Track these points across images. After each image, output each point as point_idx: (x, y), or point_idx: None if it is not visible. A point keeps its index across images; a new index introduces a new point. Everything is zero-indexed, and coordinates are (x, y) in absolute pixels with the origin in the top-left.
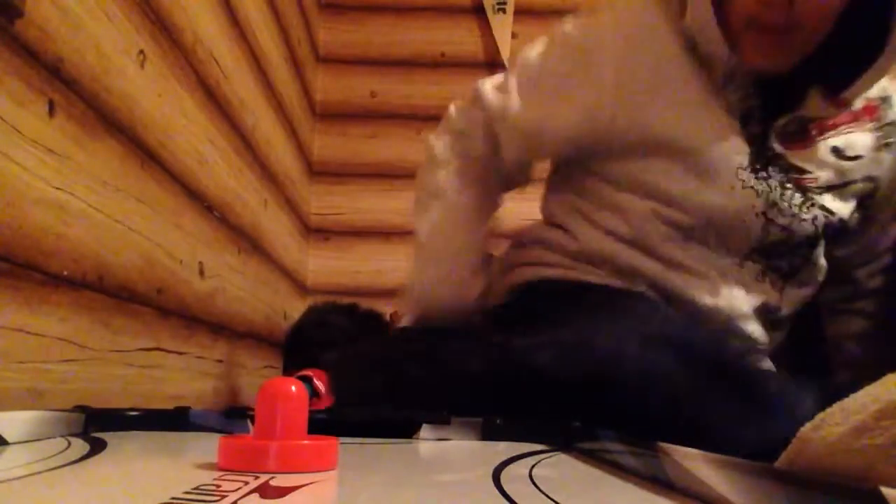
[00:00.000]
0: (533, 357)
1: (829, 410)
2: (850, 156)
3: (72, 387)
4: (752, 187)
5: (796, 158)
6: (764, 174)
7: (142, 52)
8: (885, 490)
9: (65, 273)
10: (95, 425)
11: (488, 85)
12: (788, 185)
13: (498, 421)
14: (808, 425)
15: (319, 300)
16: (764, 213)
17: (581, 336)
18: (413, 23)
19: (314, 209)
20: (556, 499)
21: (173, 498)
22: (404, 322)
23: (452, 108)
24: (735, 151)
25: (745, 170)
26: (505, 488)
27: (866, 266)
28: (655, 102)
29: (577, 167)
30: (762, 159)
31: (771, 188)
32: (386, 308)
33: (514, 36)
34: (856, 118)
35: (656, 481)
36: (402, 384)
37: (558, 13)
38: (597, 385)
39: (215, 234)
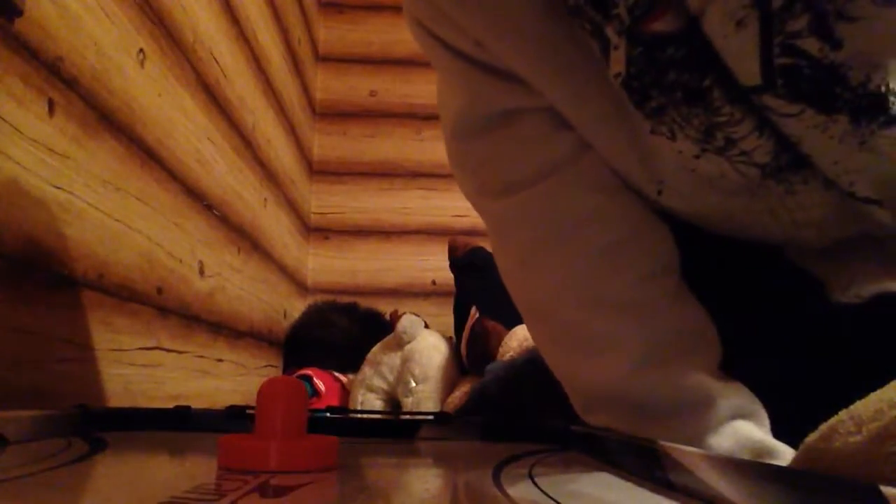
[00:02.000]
0: None
1: (836, 419)
2: None
3: (72, 386)
4: (660, 132)
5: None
6: (655, 91)
7: (141, 51)
8: (885, 488)
9: (64, 272)
10: (96, 425)
11: None
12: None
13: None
14: (813, 435)
15: (319, 299)
16: (705, 151)
17: None
18: None
19: (314, 208)
20: (556, 498)
21: (173, 497)
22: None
23: None
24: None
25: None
26: (505, 487)
27: None
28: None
29: None
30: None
31: (674, 115)
32: (386, 307)
33: None
34: None
35: (656, 480)
36: None
37: None
38: None
39: (215, 233)
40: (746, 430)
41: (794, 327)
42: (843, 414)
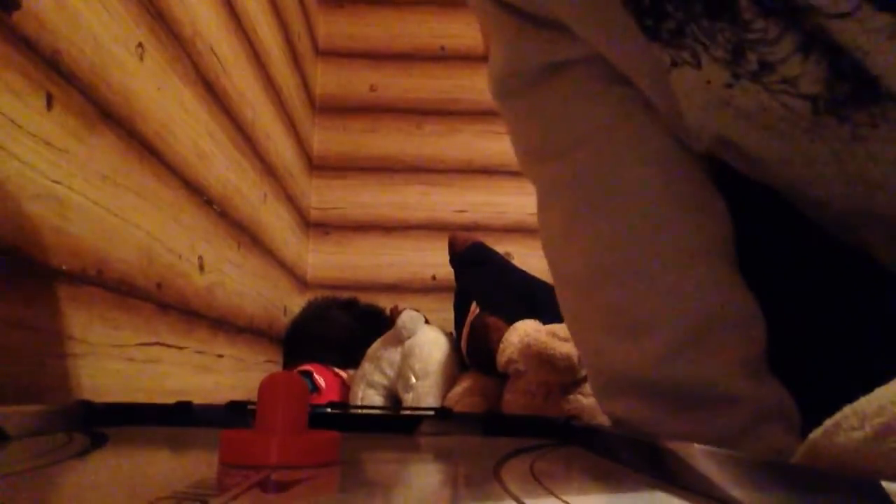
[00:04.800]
0: None
1: (840, 415)
2: None
3: (72, 381)
4: (683, 61)
5: None
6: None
7: (140, 44)
8: (886, 484)
9: (63, 267)
10: (97, 420)
11: None
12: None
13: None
14: (817, 431)
15: (319, 295)
16: (738, 78)
17: None
18: (412, 16)
19: (314, 203)
20: (557, 493)
21: (175, 492)
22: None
23: None
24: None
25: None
26: (506, 482)
27: None
28: None
29: None
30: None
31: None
32: (386, 303)
33: None
34: None
35: (657, 476)
36: None
37: None
38: None
39: (215, 228)
40: (772, 435)
41: (864, 336)
42: (847, 409)
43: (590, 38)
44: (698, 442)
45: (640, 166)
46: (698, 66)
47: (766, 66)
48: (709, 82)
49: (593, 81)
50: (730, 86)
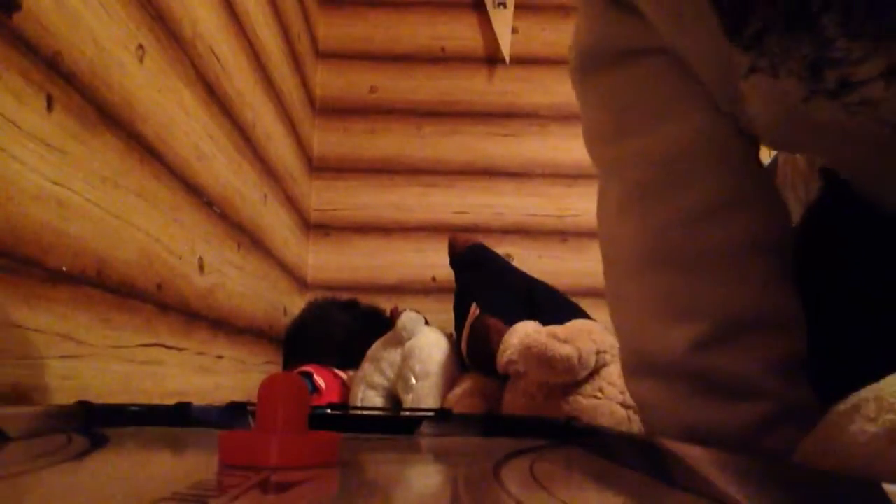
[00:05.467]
0: None
1: (860, 395)
2: None
3: (72, 383)
4: (761, 69)
5: None
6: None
7: (141, 46)
8: (887, 486)
9: (64, 269)
10: (96, 421)
11: None
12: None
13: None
14: (833, 413)
15: (319, 296)
16: (814, 94)
17: None
18: (413, 18)
19: (314, 205)
20: (557, 494)
21: (175, 493)
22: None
23: None
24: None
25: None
26: (506, 483)
27: None
28: None
29: None
30: None
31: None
32: (386, 304)
33: (514, 31)
34: None
35: (656, 476)
36: None
37: (560, 8)
38: None
39: (215, 229)
40: (788, 435)
41: None
42: (869, 392)
43: (664, 29)
44: (712, 432)
45: (703, 156)
46: (776, 76)
47: (846, 86)
48: (785, 94)
49: (667, 72)
50: (806, 100)
